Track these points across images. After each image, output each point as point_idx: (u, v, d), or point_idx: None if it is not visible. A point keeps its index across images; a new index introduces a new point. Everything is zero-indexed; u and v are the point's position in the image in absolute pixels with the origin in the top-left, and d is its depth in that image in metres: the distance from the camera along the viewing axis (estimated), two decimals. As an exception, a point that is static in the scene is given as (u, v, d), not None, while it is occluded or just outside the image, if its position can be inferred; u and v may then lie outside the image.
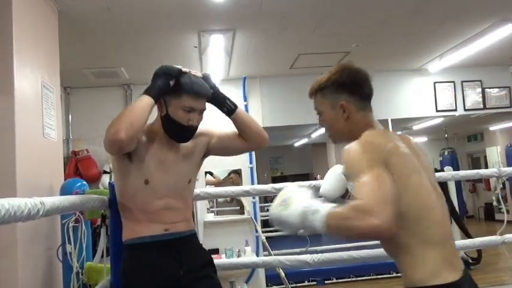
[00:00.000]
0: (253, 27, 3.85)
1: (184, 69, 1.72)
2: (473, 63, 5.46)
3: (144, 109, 1.58)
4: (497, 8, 3.82)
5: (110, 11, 3.26)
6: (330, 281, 5.16)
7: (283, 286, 4.33)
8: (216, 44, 4.06)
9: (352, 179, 1.20)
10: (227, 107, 1.81)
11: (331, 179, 1.57)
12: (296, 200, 1.18)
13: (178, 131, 1.70)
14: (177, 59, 4.31)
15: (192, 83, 1.67)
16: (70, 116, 5.22)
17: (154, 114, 1.75)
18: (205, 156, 1.88)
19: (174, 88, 1.67)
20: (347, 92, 1.39)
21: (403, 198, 1.16)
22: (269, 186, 2.54)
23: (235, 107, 1.83)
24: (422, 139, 8.97)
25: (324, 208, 1.12)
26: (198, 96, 1.67)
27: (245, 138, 1.84)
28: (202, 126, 1.81)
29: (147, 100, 1.61)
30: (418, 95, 5.72)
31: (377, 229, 1.04)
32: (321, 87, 1.43)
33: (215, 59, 4.51)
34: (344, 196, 1.55)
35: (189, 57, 4.37)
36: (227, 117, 1.86)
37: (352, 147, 1.24)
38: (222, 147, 1.87)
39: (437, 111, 5.75)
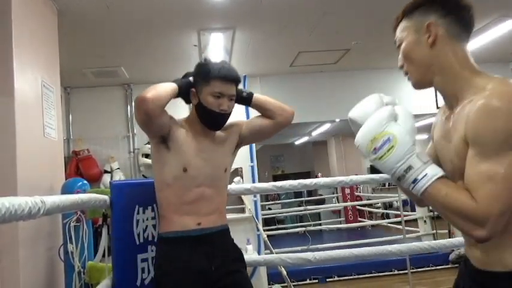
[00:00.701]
0: (253, 26, 3.85)
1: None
2: (473, 60, 5.45)
3: (167, 86, 1.69)
4: (497, 4, 3.81)
5: (109, 10, 3.26)
6: (331, 279, 5.16)
7: (285, 284, 4.34)
8: (216, 42, 4.06)
9: (475, 149, 0.94)
10: (245, 92, 1.88)
11: (371, 102, 1.13)
12: (401, 144, 1.00)
13: (211, 118, 1.75)
14: (177, 58, 4.31)
15: (219, 68, 1.72)
16: (70, 116, 5.22)
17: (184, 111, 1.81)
18: (238, 146, 1.92)
19: (204, 74, 1.73)
20: (440, 10, 1.09)
21: None
22: (270, 185, 2.54)
23: (252, 93, 1.91)
24: (423, 136, 8.97)
25: (435, 170, 0.97)
26: (226, 79, 1.72)
27: (271, 116, 1.89)
28: (233, 119, 1.88)
29: (172, 84, 1.72)
30: (419, 92, 5.66)
31: (481, 239, 0.92)
32: (410, 9, 1.14)
33: (215, 58, 4.49)
34: None
35: (189, 56, 4.37)
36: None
37: (503, 104, 0.92)
38: (254, 132, 1.92)
39: (437, 108, 5.73)
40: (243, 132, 1.91)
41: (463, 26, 1.13)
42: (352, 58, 4.97)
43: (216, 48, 4.19)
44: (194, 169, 1.72)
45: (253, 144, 5.32)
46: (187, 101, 1.83)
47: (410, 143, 1.01)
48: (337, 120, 6.80)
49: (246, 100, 1.89)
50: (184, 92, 1.76)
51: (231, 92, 1.75)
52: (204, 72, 1.74)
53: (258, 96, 1.92)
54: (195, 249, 1.69)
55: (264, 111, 1.90)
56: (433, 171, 0.97)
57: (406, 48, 1.13)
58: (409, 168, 0.99)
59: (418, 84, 1.15)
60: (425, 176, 0.97)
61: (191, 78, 1.79)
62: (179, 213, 1.72)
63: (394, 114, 1.05)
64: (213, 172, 1.78)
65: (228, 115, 1.78)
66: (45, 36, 2.85)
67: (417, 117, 6.48)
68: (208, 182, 1.75)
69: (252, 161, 5.33)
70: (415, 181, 0.98)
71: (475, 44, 4.69)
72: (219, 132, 1.84)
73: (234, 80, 1.76)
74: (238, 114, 2.02)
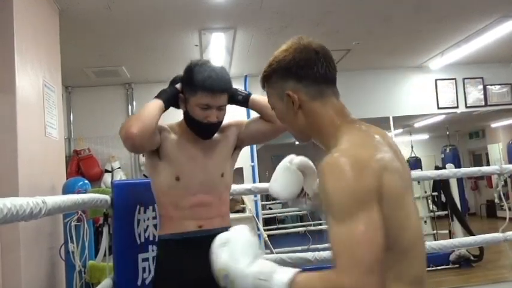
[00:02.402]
0: (254, 25, 3.85)
1: (202, 60, 1.70)
2: (474, 60, 5.45)
3: (152, 109, 1.59)
4: (498, 4, 3.81)
5: (111, 9, 3.26)
6: (332, 279, 5.16)
7: (285, 284, 4.33)
8: (217, 42, 4.06)
9: (329, 214, 0.88)
10: (240, 95, 1.77)
11: (284, 175, 1.28)
12: (237, 275, 0.93)
13: (198, 129, 1.66)
14: (178, 57, 4.31)
15: (205, 78, 1.58)
16: (71, 115, 5.23)
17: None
18: (238, 147, 1.83)
19: (189, 83, 1.62)
20: (294, 77, 1.06)
21: (390, 232, 0.88)
22: (271, 185, 2.53)
23: (249, 93, 1.80)
24: (424, 136, 8.98)
25: (282, 276, 0.87)
26: (213, 92, 1.59)
27: (270, 119, 1.74)
28: (231, 119, 1.80)
29: (156, 101, 1.62)
30: (420, 92, 5.71)
31: None
32: (267, 77, 1.11)
33: (216, 58, 4.51)
34: (299, 195, 1.30)
35: (190, 55, 4.37)
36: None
37: (334, 168, 0.89)
38: (253, 134, 1.82)
39: (438, 108, 5.75)
40: (242, 134, 1.81)
41: (323, 82, 1.07)
42: (353, 58, 4.96)
43: (217, 48, 4.20)
44: (187, 178, 1.65)
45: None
46: (179, 107, 1.74)
47: (244, 266, 0.92)
48: (338, 120, 6.79)
49: (242, 103, 1.78)
50: (172, 103, 1.68)
51: (219, 102, 1.63)
52: (190, 81, 1.62)
53: (255, 98, 1.79)
54: (194, 252, 1.62)
55: (263, 114, 1.77)
56: (280, 281, 0.87)
57: (278, 115, 1.14)
58: None
59: (300, 141, 1.18)
60: None
61: (178, 86, 1.68)
62: (178, 218, 1.66)
63: (226, 238, 1.02)
64: (208, 179, 1.69)
65: (218, 124, 1.68)
66: (46, 36, 2.85)
67: (417, 117, 6.49)
68: (205, 188, 1.68)
69: (252, 160, 5.34)
70: None
71: (476, 44, 4.69)
72: (215, 135, 1.74)
73: (222, 90, 1.63)
74: (238, 114, 1.96)
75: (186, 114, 1.68)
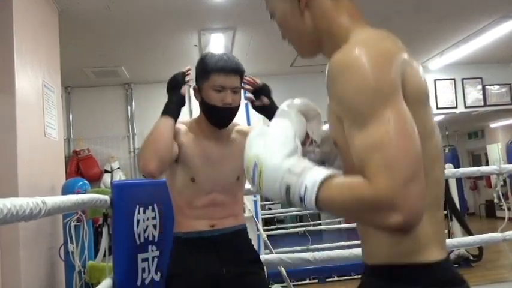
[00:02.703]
0: (253, 26, 3.85)
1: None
2: (473, 61, 5.46)
3: (166, 133, 1.56)
4: (497, 5, 3.81)
5: (110, 10, 3.26)
6: (331, 279, 5.16)
7: (285, 284, 4.34)
8: (217, 42, 4.06)
9: (349, 120, 0.75)
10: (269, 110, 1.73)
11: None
12: (268, 165, 0.80)
13: (215, 114, 1.64)
14: (177, 58, 4.32)
15: (217, 60, 1.60)
16: (71, 116, 5.23)
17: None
18: None
19: (202, 70, 1.62)
20: None
21: None
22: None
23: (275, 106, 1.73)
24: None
25: (316, 174, 0.75)
26: (225, 71, 1.59)
27: None
28: (248, 126, 1.77)
29: (166, 121, 1.59)
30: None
31: (400, 226, 0.67)
32: None
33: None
34: (304, 143, 1.07)
35: (190, 56, 4.37)
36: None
37: (349, 63, 0.75)
38: None
39: (437, 108, 5.75)
40: None
41: None
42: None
43: (217, 48, 4.19)
44: (202, 179, 1.65)
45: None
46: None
47: (279, 157, 0.80)
48: (337, 120, 6.80)
49: (260, 111, 1.74)
50: (180, 111, 1.65)
51: (233, 83, 1.62)
52: (203, 67, 1.63)
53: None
54: (207, 251, 1.64)
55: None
56: (312, 178, 0.75)
57: (279, 20, 0.97)
58: (288, 188, 0.77)
59: (305, 55, 1.01)
60: (306, 189, 0.75)
61: (183, 90, 1.66)
62: (192, 217, 1.66)
63: (265, 129, 0.87)
64: (224, 180, 1.68)
65: (234, 109, 1.65)
66: (46, 36, 2.86)
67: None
68: (219, 189, 1.67)
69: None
70: (301, 200, 0.76)
71: (476, 45, 4.69)
72: (233, 136, 1.72)
73: (235, 70, 1.63)
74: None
75: (202, 103, 1.66)
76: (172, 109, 1.62)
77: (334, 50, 0.81)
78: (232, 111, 1.65)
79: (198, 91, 1.66)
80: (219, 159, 1.68)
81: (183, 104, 1.66)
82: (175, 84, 1.66)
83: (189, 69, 1.70)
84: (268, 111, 1.72)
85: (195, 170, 1.64)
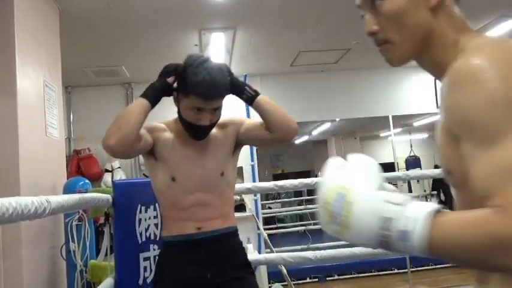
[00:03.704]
0: (253, 25, 3.86)
1: (199, 59, 1.54)
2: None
3: (136, 112, 1.51)
4: (497, 4, 3.82)
5: (111, 9, 3.27)
6: (331, 278, 5.18)
7: (285, 283, 4.35)
8: (217, 42, 4.07)
9: (471, 137, 0.64)
10: (247, 94, 1.62)
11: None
12: (360, 194, 0.67)
13: (190, 130, 1.59)
14: (178, 57, 4.30)
15: (198, 83, 1.47)
16: (71, 115, 5.24)
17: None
18: (238, 146, 1.72)
19: (182, 85, 1.53)
20: None
21: None
22: (271, 184, 2.55)
23: (256, 94, 1.64)
24: (423, 135, 8.99)
25: (421, 206, 0.63)
26: (205, 97, 1.50)
27: (269, 128, 1.63)
28: (232, 115, 1.70)
29: (141, 102, 1.53)
30: (419, 91, 5.72)
31: None
32: None
33: (216, 57, 4.52)
34: None
35: (190, 55, 4.38)
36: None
37: (474, 74, 0.64)
38: (250, 138, 1.72)
39: (438, 107, 5.73)
40: (240, 135, 1.70)
41: None
42: (353, 58, 4.97)
43: (217, 47, 4.21)
44: (183, 178, 1.59)
45: (254, 144, 5.33)
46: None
47: (373, 186, 0.68)
48: (337, 119, 6.81)
49: (247, 101, 1.65)
50: (160, 98, 1.57)
51: (213, 106, 1.54)
52: (183, 81, 1.51)
53: (262, 100, 1.64)
54: (193, 255, 1.59)
55: (266, 119, 1.63)
56: (420, 209, 0.62)
57: (395, 8, 0.78)
58: (387, 221, 0.63)
59: (401, 60, 0.83)
60: (414, 221, 0.61)
61: (170, 79, 1.57)
62: (177, 219, 1.61)
63: (343, 162, 0.75)
64: (206, 178, 1.62)
65: (210, 127, 1.59)
66: (47, 36, 2.86)
67: (416, 116, 6.50)
68: (203, 188, 1.61)
69: (252, 160, 5.34)
70: (405, 237, 0.62)
71: (475, 43, 4.70)
72: (214, 132, 1.64)
73: (217, 95, 1.53)
74: (237, 110, 1.82)
75: (179, 113, 1.61)
76: (151, 93, 1.56)
77: (446, 58, 0.75)
78: (208, 128, 1.59)
79: (177, 99, 1.59)
80: (199, 156, 1.63)
81: (167, 92, 1.58)
82: (164, 72, 1.60)
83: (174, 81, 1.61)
84: (233, 87, 1.60)
85: (175, 169, 1.60)
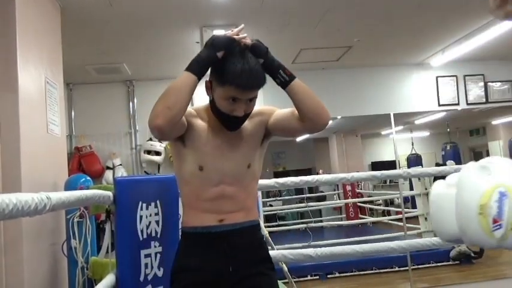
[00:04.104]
0: (255, 23, 3.85)
1: (237, 48, 1.47)
2: (475, 57, 5.45)
3: (183, 89, 1.42)
4: (499, 1, 3.81)
5: (112, 7, 3.26)
6: (332, 275, 5.18)
7: (286, 280, 4.36)
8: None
9: None
10: (280, 78, 1.55)
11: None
12: None
13: (223, 121, 1.53)
14: (179, 54, 4.32)
15: (237, 74, 1.42)
16: (73, 112, 5.24)
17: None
18: (267, 137, 1.67)
19: (219, 74, 1.46)
20: None
21: None
22: (272, 181, 2.55)
23: (291, 78, 1.55)
24: (425, 133, 8.97)
25: None
26: (243, 89, 1.45)
27: (302, 117, 1.55)
28: (262, 106, 1.61)
29: (187, 77, 1.43)
30: (421, 89, 5.71)
31: None
32: None
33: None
34: None
35: (191, 52, 4.37)
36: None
37: None
38: (280, 128, 1.64)
39: (439, 105, 5.75)
40: (270, 125, 1.64)
41: None
42: (354, 55, 4.97)
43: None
44: (210, 168, 1.54)
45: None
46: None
47: None
48: (339, 117, 6.80)
49: (283, 83, 1.55)
50: (206, 72, 1.47)
51: (249, 96, 1.49)
52: (219, 70, 1.46)
53: (297, 85, 1.56)
54: (214, 248, 1.54)
55: (297, 106, 1.55)
56: None
57: None
58: None
59: None
60: None
61: (220, 54, 1.46)
62: (200, 210, 1.56)
63: (489, 163, 0.72)
64: (233, 170, 1.57)
65: (244, 118, 1.54)
66: (48, 33, 2.86)
67: (418, 114, 6.49)
68: (229, 180, 1.56)
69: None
70: None
71: (478, 41, 4.68)
72: (244, 123, 1.58)
73: (255, 87, 1.48)
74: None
75: (212, 103, 1.54)
76: (198, 65, 1.45)
77: None
78: (242, 119, 1.54)
79: (210, 87, 1.53)
80: (228, 147, 1.58)
81: (212, 65, 1.48)
82: (214, 43, 1.47)
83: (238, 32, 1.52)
84: (267, 69, 1.53)
85: (203, 158, 1.54)
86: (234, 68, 1.43)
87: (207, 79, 1.53)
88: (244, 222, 1.59)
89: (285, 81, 1.55)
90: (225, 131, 1.57)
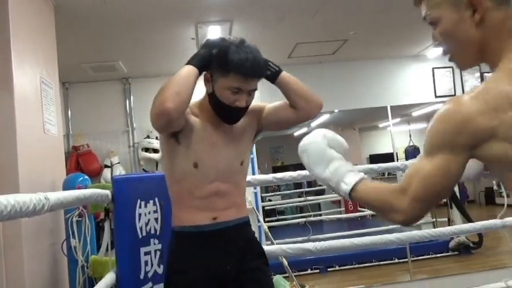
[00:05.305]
0: (250, 18, 3.84)
1: (232, 40, 1.52)
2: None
3: (188, 78, 1.45)
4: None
5: (106, 4, 3.25)
6: (332, 269, 5.20)
7: (286, 275, 4.37)
8: (214, 35, 4.05)
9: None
10: (270, 70, 1.62)
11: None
12: (316, 176, 1.04)
13: (224, 112, 1.54)
14: (174, 51, 4.31)
15: (242, 61, 1.45)
16: (69, 111, 5.23)
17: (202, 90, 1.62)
18: (258, 133, 1.72)
19: (222, 64, 1.48)
20: None
21: None
22: (270, 176, 2.56)
23: (280, 69, 1.64)
24: (422, 125, 8.98)
25: (347, 184, 0.99)
26: (247, 76, 1.48)
27: (294, 106, 1.62)
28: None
29: (190, 69, 1.47)
30: (417, 81, 5.71)
31: (400, 223, 0.94)
32: None
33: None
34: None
35: (187, 49, 4.36)
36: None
37: (450, 107, 0.89)
38: (274, 121, 1.69)
39: (436, 97, 5.75)
40: (263, 119, 1.68)
41: None
42: (350, 48, 4.96)
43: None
44: (206, 165, 1.53)
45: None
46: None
47: (319, 175, 1.06)
48: (336, 110, 6.80)
49: (270, 79, 1.63)
50: (205, 67, 1.52)
51: (251, 87, 1.52)
52: (224, 60, 1.47)
53: (286, 76, 1.64)
54: (209, 247, 1.54)
55: (289, 96, 1.63)
56: (345, 190, 1.01)
57: (446, 29, 0.93)
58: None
59: (465, 66, 0.98)
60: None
61: (215, 51, 1.51)
62: (192, 209, 1.55)
63: (304, 148, 1.10)
64: (228, 167, 1.58)
65: (245, 110, 1.56)
66: (42, 32, 2.85)
67: (415, 106, 6.49)
68: (223, 177, 1.57)
69: (251, 152, 5.34)
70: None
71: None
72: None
73: (258, 75, 1.53)
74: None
75: (211, 95, 1.54)
76: (198, 59, 1.51)
77: (494, 61, 0.87)
78: (243, 111, 1.56)
79: (210, 80, 1.54)
80: (223, 144, 1.59)
81: (210, 61, 1.52)
82: (208, 43, 1.55)
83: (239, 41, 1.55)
84: (268, 77, 1.62)
85: (199, 155, 1.54)
86: (238, 57, 1.46)
87: (205, 72, 1.55)
88: (236, 219, 1.61)
89: (275, 71, 1.61)
90: (220, 128, 1.58)
